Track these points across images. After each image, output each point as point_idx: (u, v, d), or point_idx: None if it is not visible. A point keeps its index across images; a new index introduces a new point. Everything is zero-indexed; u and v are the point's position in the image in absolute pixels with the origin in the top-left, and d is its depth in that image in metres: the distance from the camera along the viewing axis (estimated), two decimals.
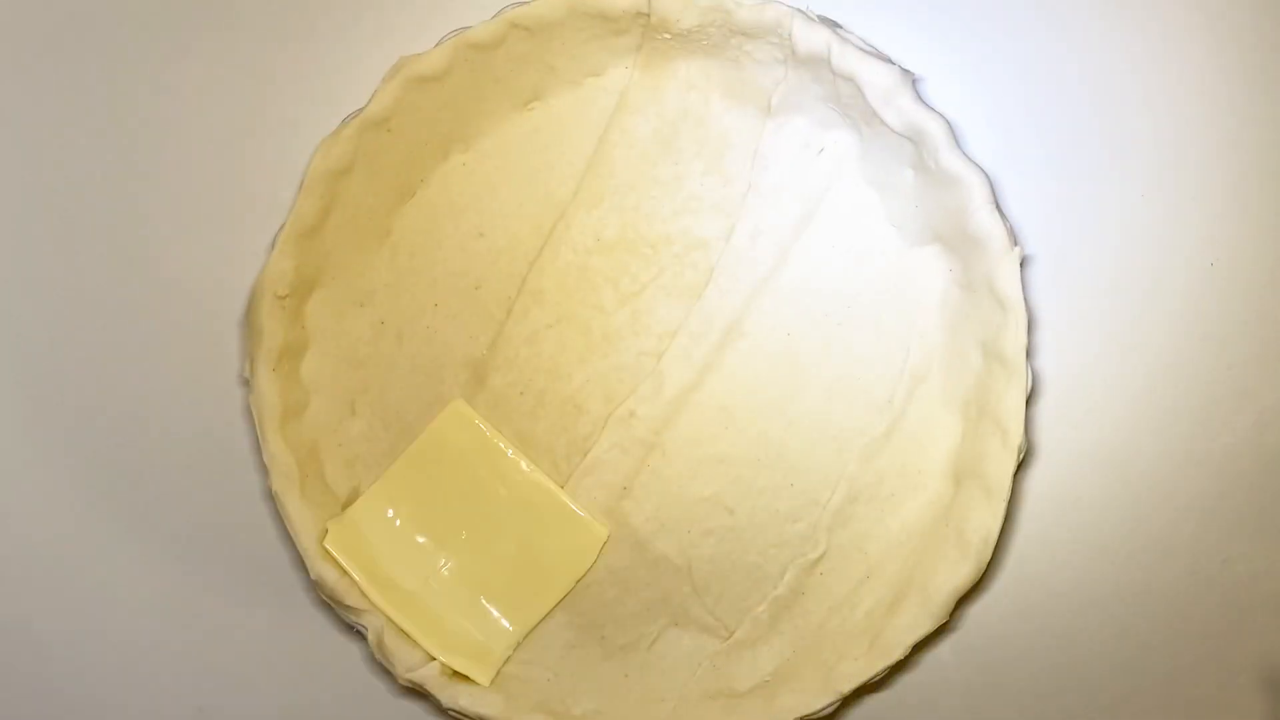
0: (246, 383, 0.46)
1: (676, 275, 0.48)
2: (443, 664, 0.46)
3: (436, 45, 0.46)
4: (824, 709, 0.45)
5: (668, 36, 0.46)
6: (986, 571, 0.45)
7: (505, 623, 0.47)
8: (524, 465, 0.48)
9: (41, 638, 0.49)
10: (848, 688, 0.45)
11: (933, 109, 0.44)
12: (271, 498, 0.46)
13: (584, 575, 0.47)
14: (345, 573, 0.45)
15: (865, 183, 0.47)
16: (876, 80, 0.44)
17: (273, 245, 0.45)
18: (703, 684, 0.47)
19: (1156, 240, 0.48)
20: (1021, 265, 0.44)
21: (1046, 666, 0.49)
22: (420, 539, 0.47)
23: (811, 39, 0.45)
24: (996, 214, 0.44)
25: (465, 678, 0.46)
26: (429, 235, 0.48)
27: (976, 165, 0.44)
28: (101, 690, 0.49)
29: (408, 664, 0.45)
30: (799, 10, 0.45)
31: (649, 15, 0.46)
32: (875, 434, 0.47)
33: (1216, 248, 0.48)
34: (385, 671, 0.46)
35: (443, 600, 0.47)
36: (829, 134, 0.47)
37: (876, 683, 0.45)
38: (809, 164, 0.47)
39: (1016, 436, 0.44)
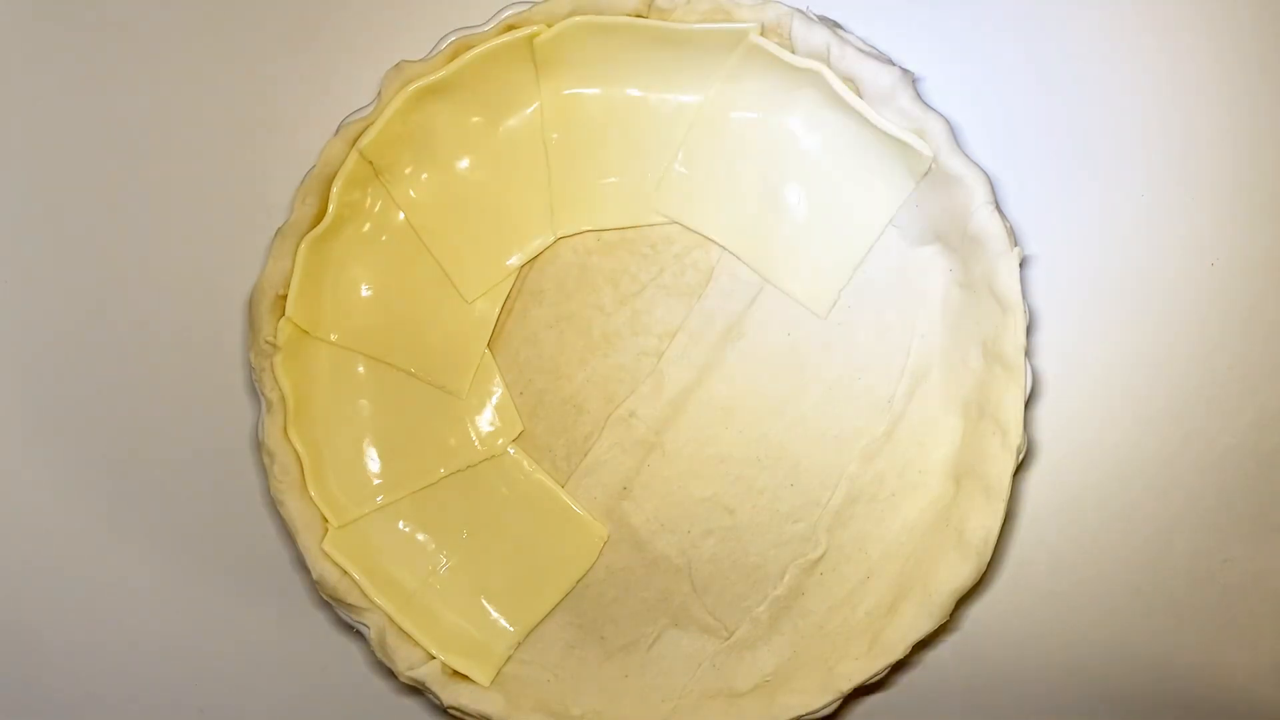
0: (255, 379, 0.46)
1: (676, 275, 0.48)
2: (443, 663, 0.46)
3: (436, 47, 0.46)
4: (824, 708, 0.45)
5: None
6: (986, 571, 0.45)
7: (505, 623, 0.47)
8: (524, 465, 0.48)
9: (41, 638, 0.49)
10: (848, 687, 0.45)
11: (933, 109, 0.44)
12: (272, 498, 0.46)
13: (584, 575, 0.48)
14: (347, 572, 0.45)
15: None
16: (877, 80, 0.44)
17: (272, 245, 0.45)
18: (703, 684, 0.47)
19: (1156, 240, 0.48)
20: (1021, 265, 0.44)
21: (1046, 666, 0.49)
22: (420, 538, 0.47)
23: (811, 39, 0.45)
24: (996, 214, 0.44)
25: (466, 677, 0.46)
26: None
27: (976, 165, 0.44)
28: (102, 690, 0.49)
29: (409, 662, 0.45)
30: (799, 10, 0.45)
31: (649, 15, 0.46)
32: (875, 434, 0.47)
33: (1216, 248, 0.48)
34: (385, 671, 0.46)
35: (443, 599, 0.47)
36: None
37: (876, 682, 0.45)
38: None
39: (1016, 436, 0.44)
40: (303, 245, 0.45)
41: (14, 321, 0.49)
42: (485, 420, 0.48)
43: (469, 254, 0.47)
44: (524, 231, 0.48)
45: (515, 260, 0.48)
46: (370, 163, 0.46)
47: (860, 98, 0.45)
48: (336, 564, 0.45)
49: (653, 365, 0.48)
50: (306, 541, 0.46)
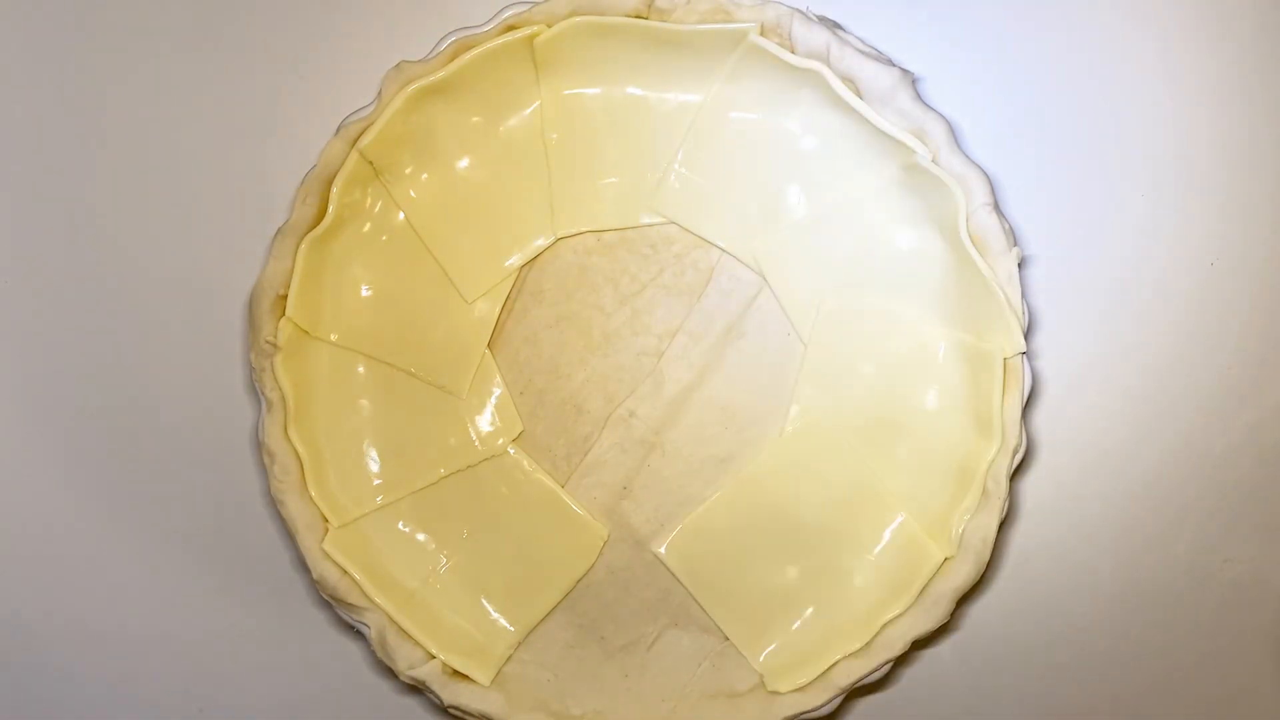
0: (255, 379, 0.46)
1: (676, 275, 0.48)
2: (444, 662, 0.46)
3: (436, 47, 0.46)
4: (823, 707, 0.45)
5: None
6: (986, 571, 0.45)
7: (505, 622, 0.47)
8: (524, 465, 0.48)
9: (42, 638, 0.49)
10: (847, 684, 0.45)
11: (933, 109, 0.44)
12: (272, 498, 0.46)
13: (584, 575, 0.48)
14: (347, 572, 0.45)
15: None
16: (876, 80, 0.44)
17: (272, 245, 0.45)
18: (703, 684, 0.47)
19: (1156, 240, 0.48)
20: (1021, 265, 0.44)
21: (1046, 666, 0.49)
22: (420, 538, 0.47)
23: (811, 39, 0.45)
24: (996, 214, 0.44)
25: (466, 676, 0.46)
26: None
27: (976, 165, 0.44)
28: (102, 690, 0.49)
29: (409, 661, 0.46)
30: (799, 10, 0.45)
31: (649, 16, 0.46)
32: None
33: (1216, 248, 0.48)
34: (385, 671, 0.46)
35: (443, 599, 0.47)
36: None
37: (877, 681, 0.45)
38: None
39: (1015, 437, 0.44)
40: (303, 245, 0.45)
41: (14, 321, 0.49)
42: (485, 420, 0.48)
43: (469, 254, 0.47)
44: (524, 232, 0.48)
45: (515, 260, 0.48)
46: (370, 163, 0.46)
47: (860, 98, 0.45)
48: (336, 564, 0.45)
49: (653, 365, 0.48)
50: (307, 541, 0.46)
